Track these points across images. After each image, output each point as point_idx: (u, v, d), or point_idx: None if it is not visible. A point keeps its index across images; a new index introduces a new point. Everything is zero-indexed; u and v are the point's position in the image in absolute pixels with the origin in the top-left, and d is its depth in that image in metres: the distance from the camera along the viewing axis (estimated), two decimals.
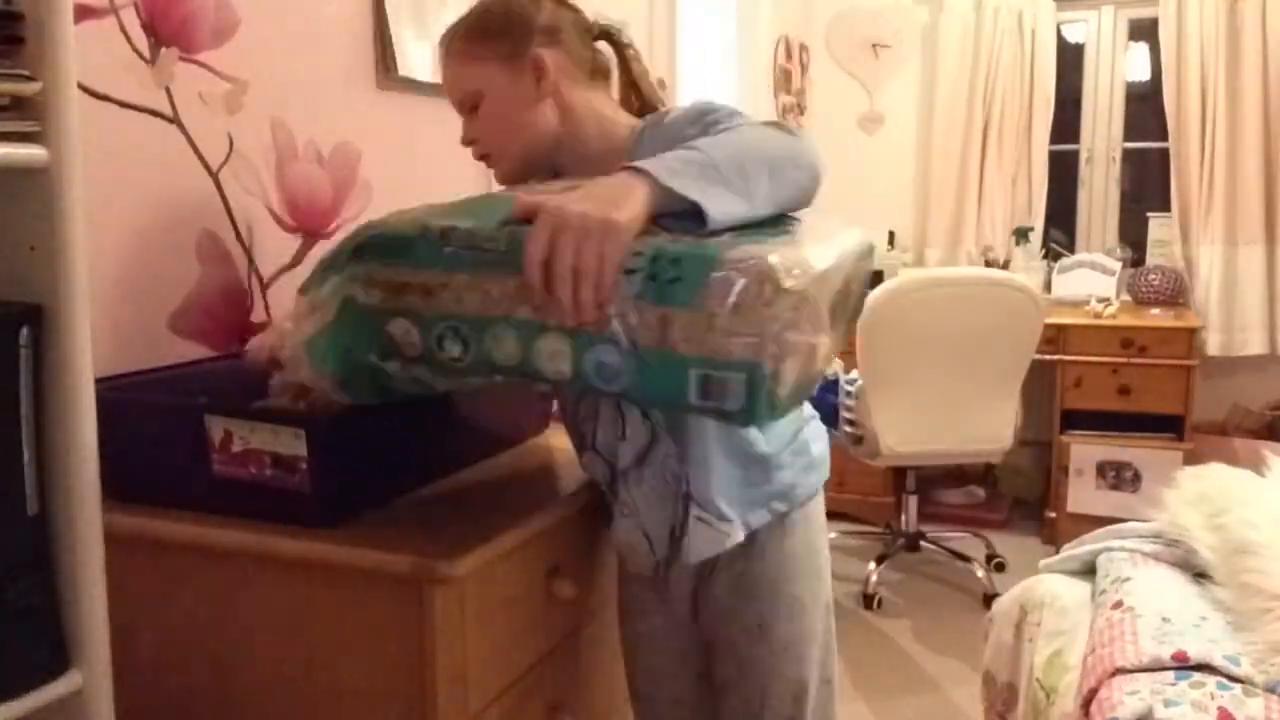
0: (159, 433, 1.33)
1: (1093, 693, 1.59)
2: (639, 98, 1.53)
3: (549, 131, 1.42)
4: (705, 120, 1.26)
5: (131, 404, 1.38)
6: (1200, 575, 1.85)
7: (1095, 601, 1.92)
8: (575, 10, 1.48)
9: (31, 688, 0.95)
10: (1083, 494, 3.61)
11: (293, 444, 1.23)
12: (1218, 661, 1.54)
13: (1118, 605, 1.76)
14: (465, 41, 1.43)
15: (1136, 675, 1.56)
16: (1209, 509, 1.87)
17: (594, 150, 1.42)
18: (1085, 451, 3.58)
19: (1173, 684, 1.53)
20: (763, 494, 1.41)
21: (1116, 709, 1.49)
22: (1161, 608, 1.71)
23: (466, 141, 1.46)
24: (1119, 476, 3.60)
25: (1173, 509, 1.97)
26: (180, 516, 1.31)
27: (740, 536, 1.38)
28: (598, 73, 1.48)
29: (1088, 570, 2.08)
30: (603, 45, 1.50)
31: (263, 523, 1.27)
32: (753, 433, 1.38)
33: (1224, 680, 1.52)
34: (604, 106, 1.46)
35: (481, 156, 1.46)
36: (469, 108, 1.43)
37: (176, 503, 1.32)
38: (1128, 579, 1.87)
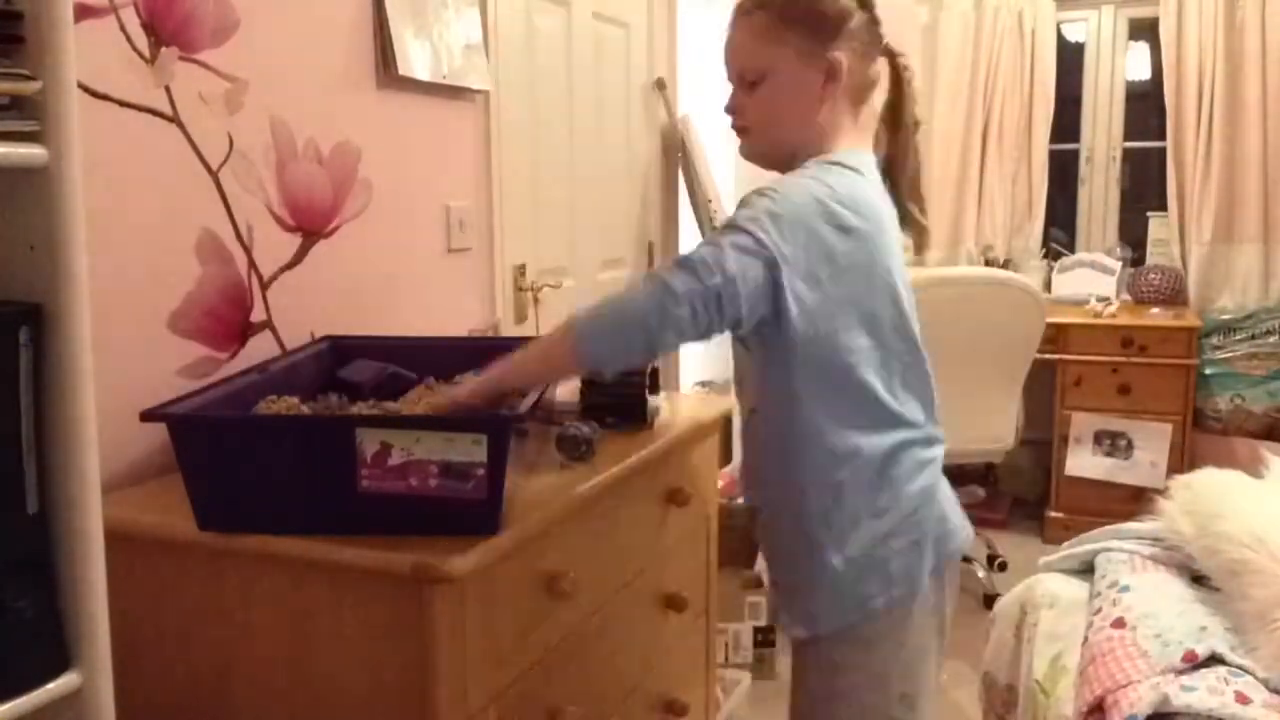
0: (286, 452, 1.26)
1: (1098, 700, 1.58)
2: (895, 123, 1.50)
3: (810, 132, 1.41)
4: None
5: (250, 423, 1.32)
6: (1200, 577, 1.86)
7: (1090, 604, 1.91)
8: (877, 23, 1.44)
9: (31, 687, 0.94)
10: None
11: (470, 450, 1.20)
12: (1225, 653, 1.56)
13: (1118, 623, 1.76)
14: (772, 18, 1.39)
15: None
16: (1200, 519, 1.86)
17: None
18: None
19: (1187, 672, 1.54)
20: None
21: (1134, 705, 1.49)
22: (1159, 625, 1.70)
23: (730, 110, 1.44)
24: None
25: (1169, 518, 1.96)
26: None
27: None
28: (864, 90, 1.45)
29: (1087, 569, 2.07)
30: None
31: (414, 538, 1.22)
32: None
33: (1235, 669, 1.53)
34: (849, 130, 1.43)
35: (739, 128, 1.45)
36: (748, 82, 1.41)
37: (299, 528, 1.25)
38: (1126, 588, 1.86)
